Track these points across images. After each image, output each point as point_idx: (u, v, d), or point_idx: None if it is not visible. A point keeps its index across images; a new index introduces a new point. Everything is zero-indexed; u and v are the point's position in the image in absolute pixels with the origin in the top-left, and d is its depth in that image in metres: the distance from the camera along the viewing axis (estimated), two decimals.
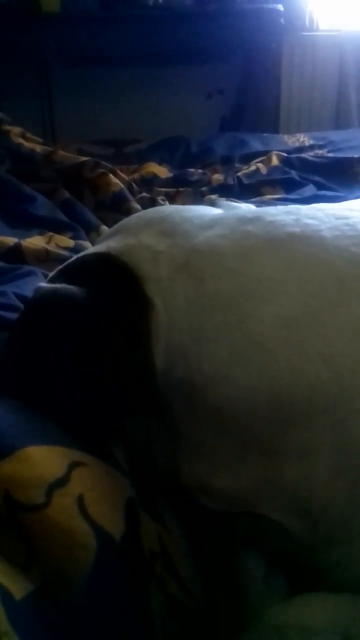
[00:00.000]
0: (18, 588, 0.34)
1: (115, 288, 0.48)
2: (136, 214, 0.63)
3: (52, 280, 0.55)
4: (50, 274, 0.57)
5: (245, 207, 0.68)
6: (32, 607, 0.34)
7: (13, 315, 0.60)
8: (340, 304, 0.42)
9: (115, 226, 0.60)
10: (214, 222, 0.51)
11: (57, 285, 0.49)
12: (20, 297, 0.66)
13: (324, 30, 2.44)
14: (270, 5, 2.20)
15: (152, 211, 0.60)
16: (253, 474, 0.43)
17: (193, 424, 0.44)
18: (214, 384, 0.42)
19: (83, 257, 0.55)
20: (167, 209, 0.61)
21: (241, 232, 0.48)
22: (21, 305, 0.65)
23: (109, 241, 0.55)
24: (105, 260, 0.51)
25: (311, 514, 0.42)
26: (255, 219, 0.50)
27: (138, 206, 1.19)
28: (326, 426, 0.40)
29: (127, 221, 0.59)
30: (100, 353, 0.46)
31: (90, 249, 0.61)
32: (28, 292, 0.67)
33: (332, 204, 0.60)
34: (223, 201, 1.04)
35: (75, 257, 0.57)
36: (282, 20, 2.21)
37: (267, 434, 0.42)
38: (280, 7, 2.19)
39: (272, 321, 0.42)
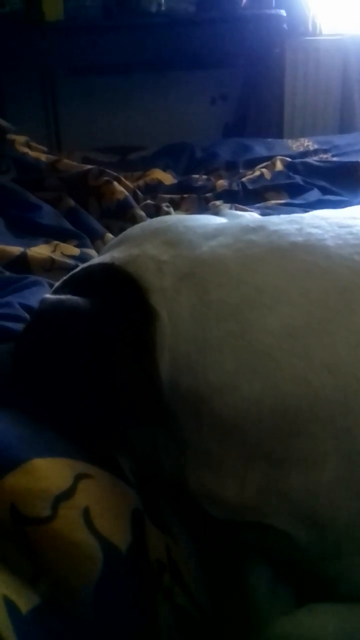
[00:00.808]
0: (25, 601, 0.34)
1: (120, 299, 0.49)
2: (140, 224, 0.63)
3: (56, 291, 0.55)
4: (55, 285, 0.58)
5: (249, 216, 0.69)
6: (39, 620, 0.34)
7: (18, 326, 0.60)
8: (344, 312, 0.42)
9: (119, 236, 0.61)
10: (217, 232, 0.52)
11: (62, 297, 0.50)
12: (26, 308, 0.67)
13: (327, 35, 2.43)
14: (273, 11, 2.20)
15: (155, 221, 0.60)
16: (259, 483, 0.43)
17: (199, 434, 0.44)
18: (220, 394, 0.42)
19: (87, 267, 0.56)
20: (171, 219, 0.61)
21: (245, 242, 0.49)
22: (27, 316, 0.65)
23: (113, 251, 0.55)
24: (110, 270, 0.51)
25: (318, 524, 0.42)
26: (258, 228, 0.50)
27: (143, 213, 1.19)
28: (332, 435, 0.40)
29: (131, 231, 0.60)
30: (105, 364, 0.46)
31: (94, 259, 0.61)
32: (34, 302, 0.67)
33: (335, 212, 0.60)
34: (227, 210, 1.04)
35: (79, 267, 0.58)
36: (284, 26, 2.21)
37: (273, 443, 0.42)
38: (283, 12, 2.19)
39: (276, 330, 0.42)
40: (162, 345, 0.45)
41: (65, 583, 0.36)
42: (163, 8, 2.06)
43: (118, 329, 0.46)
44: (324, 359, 0.41)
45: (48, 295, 0.52)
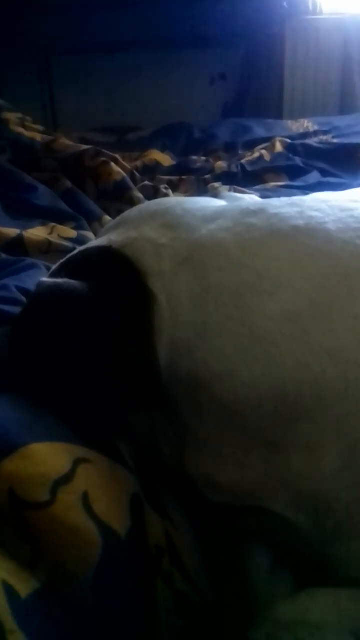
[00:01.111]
0: (24, 586, 0.34)
1: (118, 282, 0.48)
2: (138, 207, 0.62)
3: (53, 275, 0.54)
4: (52, 268, 0.57)
5: (249, 199, 0.68)
6: (38, 604, 0.34)
7: (15, 310, 0.60)
8: (345, 298, 0.42)
9: (117, 219, 0.60)
10: (217, 215, 0.51)
11: (59, 280, 0.49)
12: (23, 291, 0.66)
13: (328, 14, 2.40)
14: None
15: (154, 203, 0.59)
16: (258, 468, 0.42)
17: (198, 418, 0.44)
18: (219, 379, 0.42)
19: (85, 250, 0.55)
20: (170, 201, 0.60)
21: (245, 225, 0.48)
22: (24, 299, 0.64)
23: (110, 234, 0.54)
24: (107, 253, 0.51)
25: (317, 509, 0.42)
26: (258, 212, 0.49)
27: (140, 195, 1.18)
28: (332, 421, 0.40)
29: (129, 214, 0.59)
30: (103, 347, 0.46)
31: (92, 242, 0.61)
32: (31, 285, 0.67)
33: (336, 195, 0.59)
34: (226, 192, 1.03)
35: (76, 250, 0.57)
36: (285, 5, 2.18)
37: (273, 428, 0.42)
38: None
39: (276, 315, 0.42)
40: (161, 329, 0.45)
41: (64, 568, 0.36)
42: None
43: (116, 313, 0.46)
44: (324, 344, 0.41)
45: (45, 279, 0.51)
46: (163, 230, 0.50)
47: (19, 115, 1.46)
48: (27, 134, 1.35)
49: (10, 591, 0.33)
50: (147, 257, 0.48)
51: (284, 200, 0.52)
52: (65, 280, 0.49)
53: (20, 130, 1.36)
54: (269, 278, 0.43)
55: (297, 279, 0.43)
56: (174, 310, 0.45)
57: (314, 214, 0.48)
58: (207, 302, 0.44)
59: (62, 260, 0.56)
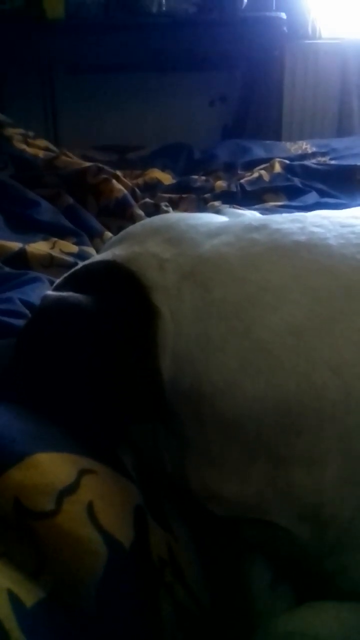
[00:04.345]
0: (29, 595, 0.34)
1: (122, 296, 0.49)
2: (141, 222, 0.63)
3: (58, 288, 0.55)
4: (57, 281, 0.58)
5: (251, 215, 0.69)
6: (43, 614, 0.34)
7: (19, 322, 0.60)
8: (347, 312, 0.42)
9: (121, 234, 0.61)
10: (219, 230, 0.52)
11: (64, 294, 0.50)
12: (26, 304, 0.66)
13: (327, 38, 2.44)
14: (273, 14, 2.21)
15: (157, 219, 0.60)
16: (261, 481, 0.43)
17: (201, 431, 0.44)
18: (222, 393, 0.42)
19: (89, 264, 0.56)
20: (173, 217, 0.61)
21: (247, 240, 0.49)
22: (27, 312, 0.65)
23: (114, 249, 0.55)
24: (112, 268, 0.51)
25: (319, 521, 0.42)
26: (261, 227, 0.50)
27: (141, 212, 1.20)
28: (334, 434, 0.41)
29: (132, 229, 0.60)
30: (106, 360, 0.46)
31: (95, 256, 0.61)
32: (34, 298, 0.67)
33: (337, 212, 0.60)
34: (228, 208, 1.04)
35: (81, 264, 0.58)
36: (284, 29, 2.22)
37: (275, 441, 0.42)
38: (283, 15, 2.20)
39: (279, 329, 0.42)
40: (164, 343, 0.45)
41: (68, 578, 0.36)
42: (164, 8, 2.05)
43: (119, 327, 0.46)
44: (327, 358, 0.41)
45: (50, 292, 0.52)
46: (167, 245, 0.51)
47: (22, 131, 1.47)
48: (29, 150, 1.37)
49: (15, 600, 0.33)
50: (151, 271, 0.48)
51: (286, 216, 0.53)
52: (70, 293, 0.50)
53: (23, 147, 1.37)
54: (272, 292, 0.44)
55: (299, 292, 0.44)
56: (178, 324, 0.45)
57: (315, 229, 0.48)
58: (210, 315, 0.45)
59: (66, 274, 0.57)
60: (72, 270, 0.57)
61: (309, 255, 0.46)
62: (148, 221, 0.62)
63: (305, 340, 0.42)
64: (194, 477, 0.45)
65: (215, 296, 0.45)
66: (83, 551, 0.36)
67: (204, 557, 0.45)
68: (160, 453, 0.47)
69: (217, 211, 0.77)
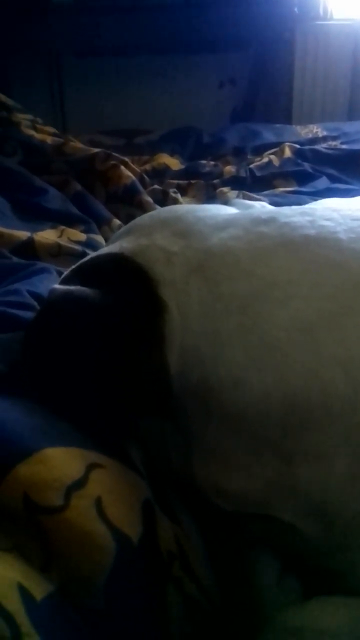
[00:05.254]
0: (38, 589, 0.35)
1: (129, 290, 0.48)
2: (149, 214, 0.63)
3: (65, 281, 0.55)
4: (64, 274, 0.58)
5: (260, 207, 0.68)
6: (53, 608, 0.35)
7: (28, 314, 0.60)
8: (356, 307, 0.42)
9: (128, 225, 0.61)
10: (228, 223, 0.51)
11: (71, 287, 0.50)
12: (35, 295, 0.67)
13: (338, 19, 2.40)
14: None
15: (165, 211, 0.60)
16: (267, 476, 0.43)
17: (207, 426, 0.44)
18: (229, 388, 0.43)
19: (96, 257, 0.56)
20: (181, 209, 0.61)
21: (255, 234, 0.48)
22: (35, 303, 0.65)
23: (121, 241, 0.55)
24: (119, 261, 0.51)
25: (325, 517, 0.42)
26: (269, 220, 0.50)
27: (149, 199, 1.19)
28: (342, 430, 0.41)
29: (140, 221, 0.60)
30: (114, 354, 0.46)
31: (103, 248, 0.61)
32: (42, 290, 0.67)
33: (347, 203, 0.59)
34: (237, 200, 1.03)
35: (88, 257, 0.58)
36: (295, 9, 2.18)
37: (282, 437, 0.42)
38: None
39: (287, 324, 0.42)
40: (172, 337, 0.45)
41: (77, 572, 0.36)
42: None
43: (127, 320, 0.46)
44: (335, 353, 0.41)
45: (57, 286, 0.52)
46: (174, 238, 0.50)
47: (30, 117, 1.46)
48: (37, 136, 1.36)
49: (25, 594, 0.34)
50: (158, 265, 0.48)
51: (295, 209, 0.53)
52: (77, 287, 0.50)
53: (31, 132, 1.36)
54: (280, 286, 0.44)
55: (307, 287, 0.43)
56: (185, 318, 0.45)
57: (325, 223, 0.48)
58: (217, 310, 0.44)
59: (73, 267, 0.57)
60: (80, 263, 0.57)
61: (319, 249, 0.45)
62: (155, 213, 0.62)
63: (314, 336, 0.41)
64: (200, 472, 0.45)
65: (223, 290, 0.45)
66: (91, 546, 0.37)
67: (211, 550, 0.46)
68: (167, 447, 0.47)
69: (226, 202, 0.76)
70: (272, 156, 1.50)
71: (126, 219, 1.11)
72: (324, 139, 1.70)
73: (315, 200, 1.06)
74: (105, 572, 0.37)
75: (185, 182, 1.37)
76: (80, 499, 0.38)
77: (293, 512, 0.43)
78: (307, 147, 1.58)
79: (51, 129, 1.49)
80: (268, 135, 1.76)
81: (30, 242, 0.89)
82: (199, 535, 0.46)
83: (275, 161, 1.48)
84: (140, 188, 1.21)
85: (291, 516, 0.43)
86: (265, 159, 1.49)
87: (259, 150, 1.60)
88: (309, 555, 0.44)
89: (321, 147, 1.59)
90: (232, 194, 1.25)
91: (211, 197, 1.30)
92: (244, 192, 1.26)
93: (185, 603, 0.40)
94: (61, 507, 0.37)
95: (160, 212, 0.61)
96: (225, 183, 1.37)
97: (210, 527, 0.47)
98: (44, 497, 0.37)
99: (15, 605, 0.33)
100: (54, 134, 1.45)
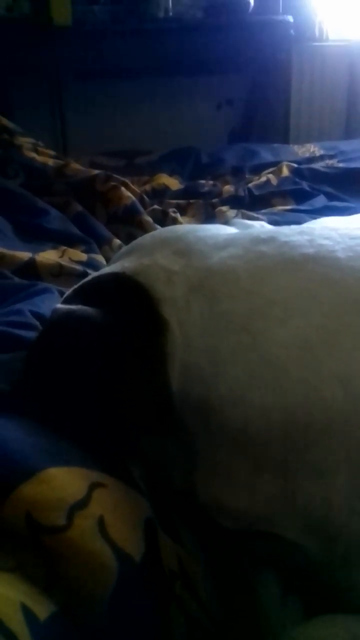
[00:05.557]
0: (41, 609, 0.35)
1: (131, 309, 0.49)
2: (150, 234, 0.63)
3: (67, 301, 0.55)
4: (66, 294, 0.58)
5: (259, 226, 0.69)
6: (56, 627, 0.34)
7: (30, 334, 0.61)
8: (355, 325, 0.43)
9: (129, 245, 0.61)
10: (228, 242, 0.52)
11: (74, 307, 0.50)
12: (37, 315, 0.67)
13: (334, 40, 2.44)
14: (280, 17, 2.21)
15: (166, 231, 0.61)
16: (269, 493, 0.43)
17: (209, 444, 0.45)
18: (230, 405, 0.43)
19: (98, 277, 0.56)
20: (182, 228, 0.62)
21: (255, 253, 0.49)
22: (37, 323, 0.65)
23: (123, 261, 0.56)
24: (120, 280, 0.52)
25: (328, 534, 0.42)
26: (269, 240, 0.50)
27: (149, 219, 1.20)
28: (342, 447, 0.41)
29: (141, 240, 0.60)
30: (116, 372, 0.47)
31: (105, 268, 0.62)
32: (44, 310, 0.68)
33: (345, 222, 0.60)
34: (236, 219, 1.04)
35: (90, 276, 0.58)
36: (292, 31, 2.22)
37: (283, 454, 0.42)
38: (290, 18, 2.20)
39: (287, 342, 0.43)
40: (173, 355, 0.46)
41: (80, 592, 0.36)
42: (171, 13, 2.06)
43: (128, 339, 0.47)
44: (335, 371, 0.41)
45: (60, 305, 0.53)
46: (175, 258, 0.51)
47: (32, 140, 1.48)
48: (39, 158, 1.38)
49: (29, 614, 0.33)
50: (159, 283, 0.49)
51: (294, 228, 0.53)
52: (80, 306, 0.50)
53: (33, 155, 1.38)
54: (280, 305, 0.44)
55: (307, 305, 0.44)
56: (186, 337, 0.46)
57: (323, 242, 0.49)
58: (218, 328, 0.45)
59: (75, 287, 0.58)
60: (81, 282, 0.57)
61: (317, 268, 0.46)
62: (157, 233, 0.63)
63: (313, 353, 0.42)
64: (202, 490, 0.45)
65: (224, 309, 0.45)
66: (94, 565, 0.37)
67: (214, 569, 0.46)
68: (169, 465, 0.47)
69: (226, 222, 0.77)
70: (270, 175, 1.52)
71: (126, 239, 1.12)
72: (321, 157, 1.72)
73: (314, 218, 1.08)
74: (108, 591, 0.37)
75: (185, 201, 1.39)
76: (83, 518, 0.38)
77: (295, 529, 0.43)
78: (304, 166, 1.60)
79: (52, 152, 1.51)
80: (266, 154, 1.78)
81: (31, 263, 0.90)
82: (200, 555, 0.46)
83: (273, 180, 1.50)
84: (141, 208, 1.23)
85: (293, 533, 0.43)
86: (264, 178, 1.50)
87: (257, 170, 1.62)
88: (312, 573, 0.44)
89: (319, 165, 1.61)
90: (231, 213, 1.27)
91: (210, 216, 1.31)
92: (242, 210, 1.27)
93: (187, 622, 0.40)
94: (64, 527, 0.37)
95: (161, 232, 0.61)
96: (224, 202, 1.38)
97: (213, 547, 0.47)
98: (47, 517, 0.37)
99: (18, 626, 0.33)
100: (55, 157, 1.47)
